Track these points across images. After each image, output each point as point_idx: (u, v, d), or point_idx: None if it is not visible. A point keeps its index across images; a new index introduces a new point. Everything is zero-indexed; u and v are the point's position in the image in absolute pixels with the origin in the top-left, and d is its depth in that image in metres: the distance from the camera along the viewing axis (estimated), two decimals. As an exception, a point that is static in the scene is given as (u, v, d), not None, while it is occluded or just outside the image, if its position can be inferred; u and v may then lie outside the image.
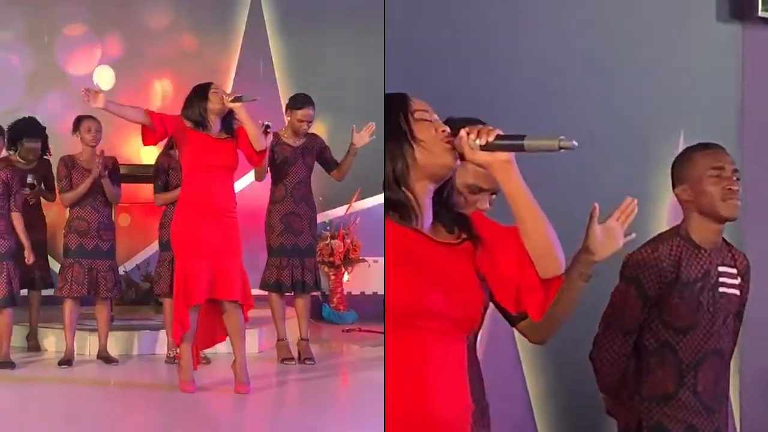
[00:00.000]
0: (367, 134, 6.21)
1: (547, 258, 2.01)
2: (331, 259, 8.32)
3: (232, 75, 8.63)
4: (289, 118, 6.40)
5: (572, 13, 4.09)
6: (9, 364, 6.00)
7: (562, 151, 1.91)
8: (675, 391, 3.02)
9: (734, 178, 2.99)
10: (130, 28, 8.48)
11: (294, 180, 6.29)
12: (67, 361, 6.12)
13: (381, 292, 8.36)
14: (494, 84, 3.90)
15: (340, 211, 8.53)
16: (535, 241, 2.00)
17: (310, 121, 6.37)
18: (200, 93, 5.28)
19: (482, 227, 2.09)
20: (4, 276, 5.93)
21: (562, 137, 1.90)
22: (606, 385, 3.18)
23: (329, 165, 6.42)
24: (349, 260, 8.41)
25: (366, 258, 8.41)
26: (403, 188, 2.02)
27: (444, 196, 2.09)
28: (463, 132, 1.99)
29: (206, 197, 5.21)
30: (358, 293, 8.59)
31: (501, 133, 1.98)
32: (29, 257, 6.04)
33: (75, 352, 6.23)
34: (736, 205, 2.96)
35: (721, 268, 3.05)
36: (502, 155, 1.97)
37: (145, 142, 5.36)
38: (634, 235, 2.64)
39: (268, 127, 5.85)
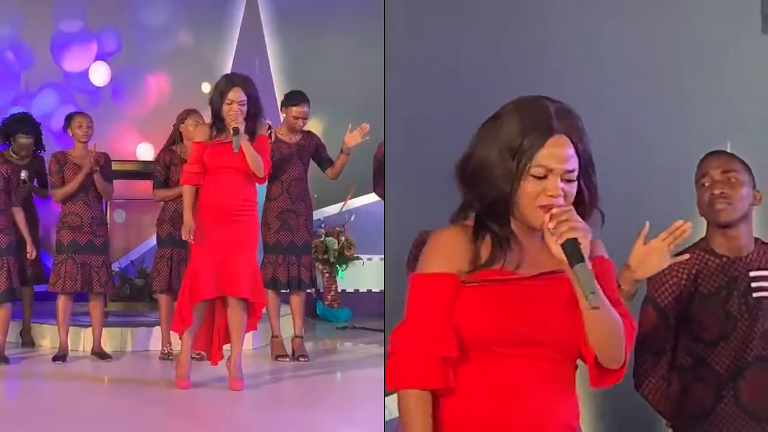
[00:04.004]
0: (360, 135, 6.21)
1: (602, 353, 1.95)
2: (326, 256, 8.33)
3: (228, 72, 8.62)
4: (284, 115, 6.41)
5: (609, 23, 4.07)
6: (3, 360, 6.00)
7: (589, 309, 1.85)
8: (714, 405, 2.91)
9: (724, 180, 2.90)
10: (127, 24, 8.49)
11: (290, 177, 6.29)
12: (61, 357, 6.13)
13: (375, 289, 8.43)
14: (501, 84, 3.88)
15: (334, 209, 8.54)
16: (592, 340, 1.93)
17: (306, 118, 6.38)
18: (220, 94, 5.23)
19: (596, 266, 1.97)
20: (5, 271, 5.94)
21: (594, 293, 1.82)
22: (661, 413, 3.08)
23: (324, 163, 6.43)
24: (343, 258, 8.42)
25: (360, 256, 8.43)
26: (498, 221, 1.97)
27: None
28: (546, 216, 1.89)
29: (215, 198, 5.25)
30: (352, 291, 8.61)
31: (575, 236, 1.86)
32: (32, 252, 6.05)
33: (69, 348, 6.24)
34: (722, 209, 2.87)
35: (754, 273, 2.93)
36: None
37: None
38: (686, 256, 2.66)
39: (269, 128, 5.89)
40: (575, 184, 1.95)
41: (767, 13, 4.17)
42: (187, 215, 5.32)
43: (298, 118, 6.32)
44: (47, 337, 6.69)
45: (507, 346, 1.95)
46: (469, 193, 2.01)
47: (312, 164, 6.43)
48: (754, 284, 2.93)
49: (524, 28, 4.01)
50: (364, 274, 8.48)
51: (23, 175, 6.53)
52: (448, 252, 2.00)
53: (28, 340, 6.71)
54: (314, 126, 7.40)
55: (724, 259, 2.93)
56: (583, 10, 4.10)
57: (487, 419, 1.96)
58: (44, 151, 6.91)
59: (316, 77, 8.15)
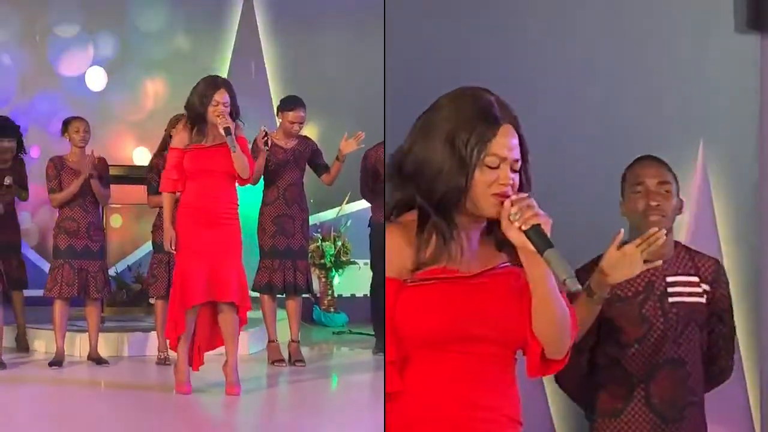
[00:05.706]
0: (356, 142, 6.21)
1: (550, 344, 1.98)
2: (322, 261, 8.33)
3: (225, 76, 8.62)
4: (280, 120, 6.42)
5: (590, 23, 4.09)
6: (0, 365, 5.99)
7: (566, 287, 1.84)
8: (624, 405, 3.04)
9: (660, 192, 2.99)
10: (123, 28, 8.49)
11: (286, 182, 6.29)
12: (57, 363, 6.11)
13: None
14: (501, 84, 3.87)
15: (330, 214, 8.54)
16: (543, 331, 1.95)
17: (302, 123, 6.38)
18: (203, 96, 5.16)
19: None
20: None
21: (573, 277, 1.82)
22: (579, 404, 3.23)
23: (320, 169, 6.43)
24: (339, 262, 8.41)
25: (357, 260, 8.43)
26: (445, 217, 1.96)
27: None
28: (507, 203, 1.90)
29: (200, 201, 5.19)
30: (349, 295, 8.61)
31: (540, 222, 1.87)
32: None
33: (65, 354, 6.23)
34: (656, 221, 2.94)
35: (671, 278, 3.04)
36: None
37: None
38: (659, 262, 2.73)
39: (266, 134, 5.90)
40: (518, 173, 1.98)
41: (740, 11, 4.19)
42: (167, 224, 5.25)
43: (294, 123, 6.32)
44: (43, 343, 6.67)
45: (453, 344, 1.97)
46: (410, 189, 1.99)
47: (308, 169, 6.44)
48: (670, 289, 3.04)
49: (524, 27, 4.03)
50: (361, 279, 8.47)
51: (7, 180, 6.48)
52: (388, 255, 2.01)
53: (23, 345, 6.70)
54: (310, 131, 7.41)
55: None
56: (572, 10, 4.13)
57: (436, 416, 1.97)
58: (26, 153, 6.90)
59: (312, 82, 8.16)
